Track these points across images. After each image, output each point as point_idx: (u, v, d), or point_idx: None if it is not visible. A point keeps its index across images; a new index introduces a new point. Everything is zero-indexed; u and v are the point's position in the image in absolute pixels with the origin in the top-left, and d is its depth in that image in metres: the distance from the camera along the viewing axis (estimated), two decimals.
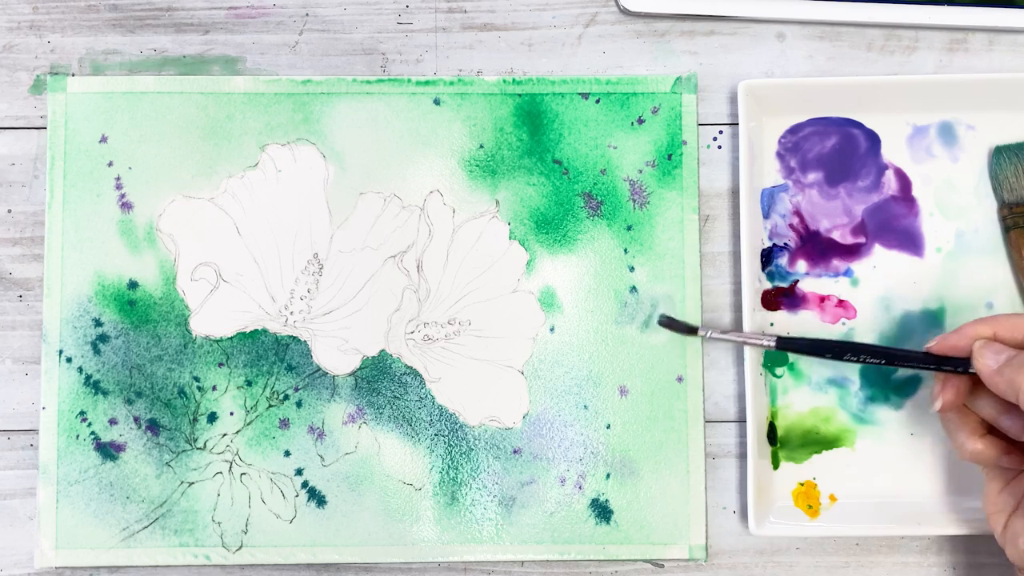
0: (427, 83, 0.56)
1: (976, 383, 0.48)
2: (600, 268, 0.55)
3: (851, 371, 0.55)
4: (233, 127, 0.56)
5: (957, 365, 0.48)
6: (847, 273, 0.56)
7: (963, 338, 0.47)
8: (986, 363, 0.46)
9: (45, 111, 0.56)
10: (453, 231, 0.55)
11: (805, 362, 0.55)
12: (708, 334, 0.53)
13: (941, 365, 0.48)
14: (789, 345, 0.51)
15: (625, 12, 0.57)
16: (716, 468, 0.55)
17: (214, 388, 0.54)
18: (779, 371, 0.55)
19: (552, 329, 0.55)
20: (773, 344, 0.51)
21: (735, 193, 0.56)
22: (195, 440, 0.54)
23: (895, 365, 0.49)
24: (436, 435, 0.54)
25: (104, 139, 0.55)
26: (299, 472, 0.54)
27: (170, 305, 0.55)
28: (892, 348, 0.51)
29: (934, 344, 0.48)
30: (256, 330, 0.55)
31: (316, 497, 0.54)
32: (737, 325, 0.55)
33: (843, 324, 0.55)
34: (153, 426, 0.54)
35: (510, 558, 0.54)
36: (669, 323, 0.54)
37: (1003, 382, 0.45)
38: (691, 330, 0.54)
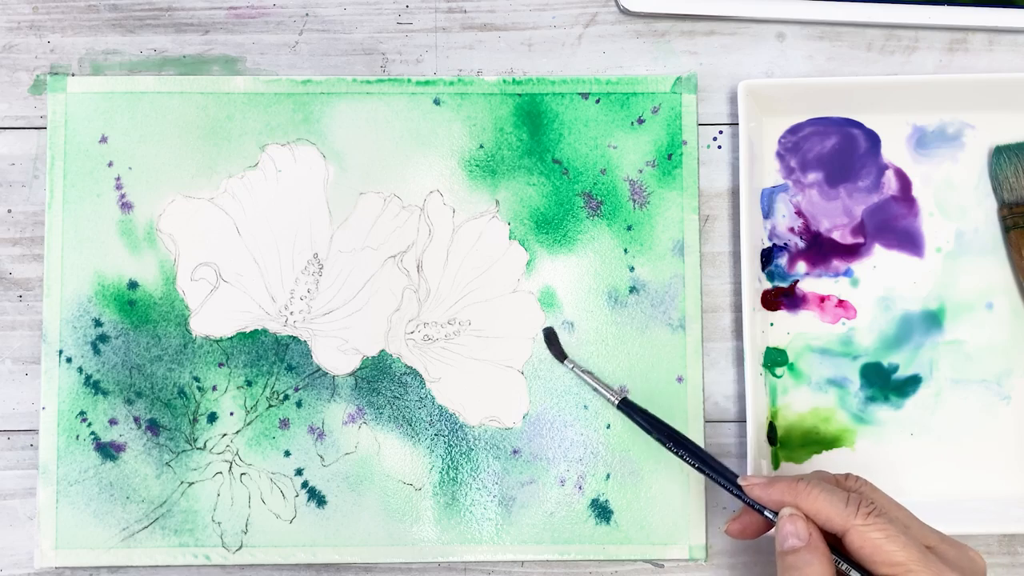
0: (427, 83, 0.56)
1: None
2: (600, 268, 0.55)
3: (851, 371, 0.55)
4: (233, 127, 0.56)
5: (758, 507, 0.47)
6: (847, 273, 0.56)
7: (770, 495, 0.46)
8: (781, 541, 0.45)
9: (45, 111, 0.56)
10: (453, 231, 0.55)
11: (805, 362, 0.55)
12: (572, 367, 0.53)
13: (746, 500, 0.48)
14: (628, 409, 0.51)
15: (625, 12, 0.57)
16: None
17: (214, 388, 0.54)
18: (779, 371, 0.55)
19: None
20: (616, 401, 0.52)
21: (735, 193, 0.56)
22: (195, 440, 0.54)
23: (706, 475, 0.49)
24: (436, 435, 0.54)
25: (104, 139, 0.55)
26: (299, 472, 0.54)
27: (170, 305, 0.55)
28: (712, 459, 0.49)
29: (744, 484, 0.47)
30: (256, 330, 0.55)
31: (316, 497, 0.54)
32: (737, 325, 0.55)
33: (843, 324, 0.55)
34: (153, 426, 0.54)
35: (510, 558, 0.54)
36: (548, 338, 0.54)
37: (783, 564, 0.45)
38: (560, 356, 0.54)
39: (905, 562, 0.43)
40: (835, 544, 0.45)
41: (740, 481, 0.48)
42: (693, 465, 0.49)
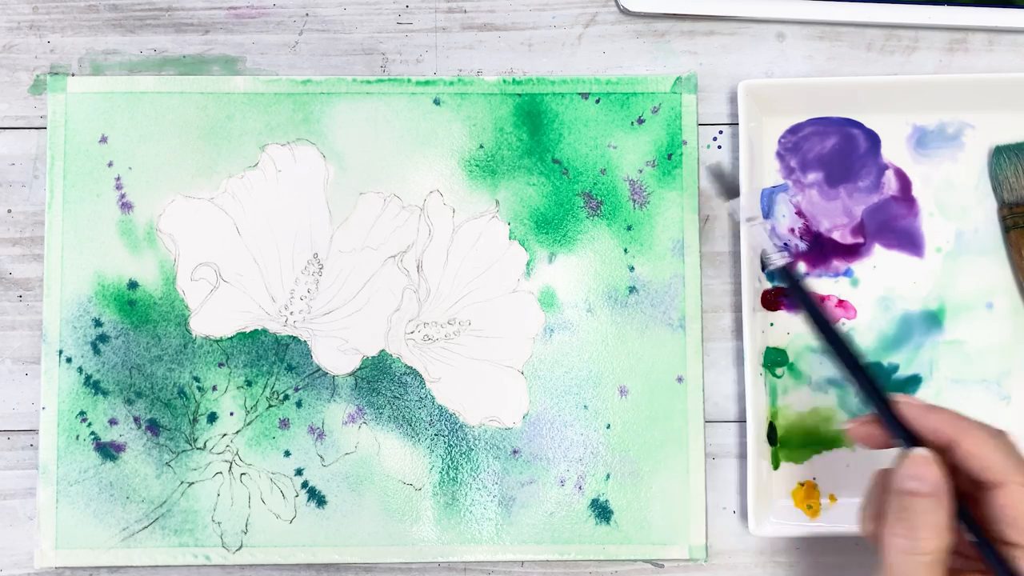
0: (427, 83, 0.56)
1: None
2: (600, 268, 0.55)
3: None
4: (233, 127, 0.56)
5: (902, 431, 0.43)
6: (847, 273, 0.56)
7: (929, 421, 0.41)
8: (903, 480, 0.40)
9: (45, 111, 0.56)
10: (453, 231, 0.55)
11: (805, 362, 0.55)
12: (738, 215, 0.50)
13: (889, 420, 0.43)
14: (792, 285, 0.46)
15: (625, 12, 0.57)
16: (716, 468, 0.55)
17: (214, 388, 0.54)
18: (779, 371, 0.55)
19: (552, 329, 0.55)
20: (782, 262, 0.47)
21: None
22: (195, 440, 0.54)
23: (853, 383, 0.44)
24: (436, 435, 0.54)
25: (104, 139, 0.55)
26: (299, 472, 0.54)
27: (170, 305, 0.55)
28: (873, 380, 0.44)
29: (904, 401, 0.42)
30: (256, 330, 0.55)
31: (316, 497, 0.54)
32: (737, 325, 0.55)
33: (843, 324, 0.55)
34: (153, 426, 0.54)
35: (510, 558, 0.54)
36: (717, 174, 0.51)
37: (900, 503, 0.40)
38: (731, 192, 0.50)
39: None
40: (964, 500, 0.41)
41: (899, 398, 0.42)
42: (842, 365, 0.44)
